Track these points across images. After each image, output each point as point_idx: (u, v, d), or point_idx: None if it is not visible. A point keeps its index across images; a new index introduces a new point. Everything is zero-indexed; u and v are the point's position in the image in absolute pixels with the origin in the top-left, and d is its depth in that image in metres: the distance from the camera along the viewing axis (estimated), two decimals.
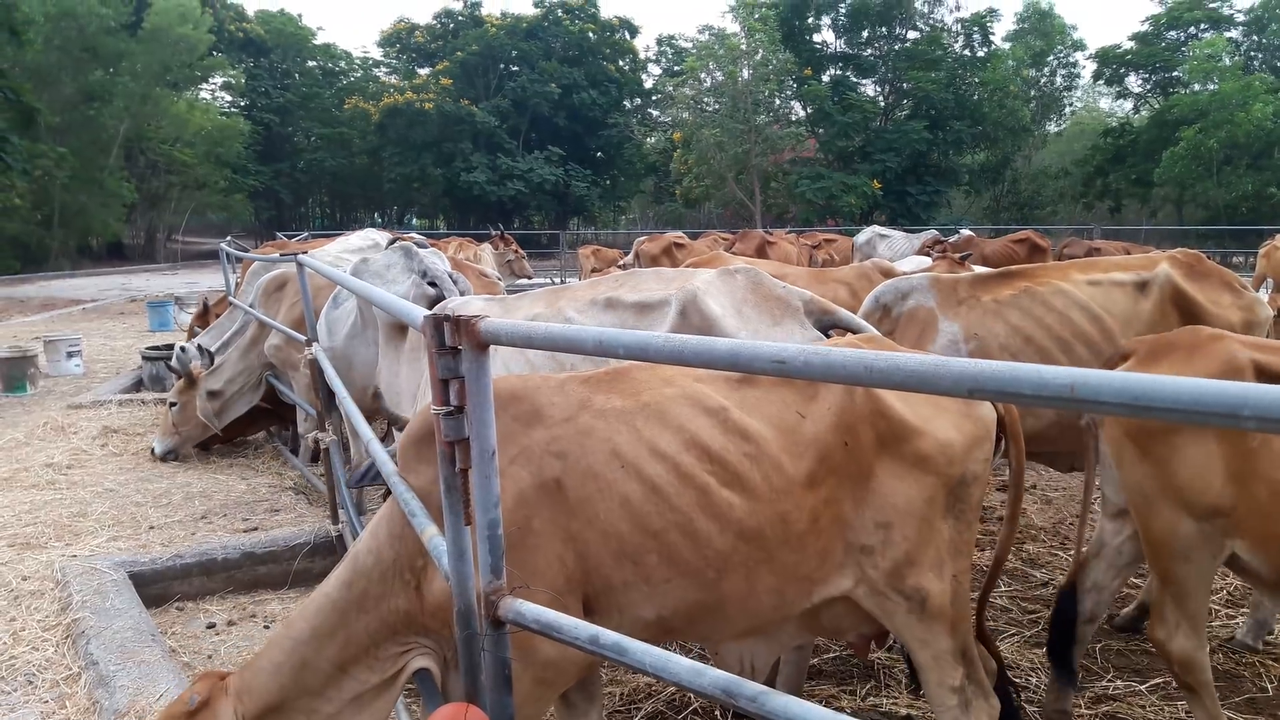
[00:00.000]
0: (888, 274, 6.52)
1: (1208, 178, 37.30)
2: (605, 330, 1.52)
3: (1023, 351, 4.28)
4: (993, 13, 44.35)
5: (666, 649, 1.67)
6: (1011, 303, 4.39)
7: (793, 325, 3.93)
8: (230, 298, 9.06)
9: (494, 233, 16.79)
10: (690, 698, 4.04)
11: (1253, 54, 43.13)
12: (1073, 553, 5.60)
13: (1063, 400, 1.08)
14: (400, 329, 5.50)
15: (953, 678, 2.79)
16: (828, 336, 3.78)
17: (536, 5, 48.75)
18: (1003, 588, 5.06)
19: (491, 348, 1.74)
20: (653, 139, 51.42)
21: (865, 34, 45.02)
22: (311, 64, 50.38)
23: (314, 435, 6.10)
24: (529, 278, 16.19)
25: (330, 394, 5.73)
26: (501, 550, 1.79)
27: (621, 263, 17.29)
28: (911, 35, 44.46)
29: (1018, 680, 4.06)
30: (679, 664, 1.51)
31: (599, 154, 50.08)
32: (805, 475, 2.56)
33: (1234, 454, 2.93)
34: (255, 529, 6.06)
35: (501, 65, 47.47)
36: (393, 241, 6.89)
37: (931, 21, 44.31)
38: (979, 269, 7.04)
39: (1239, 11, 43.53)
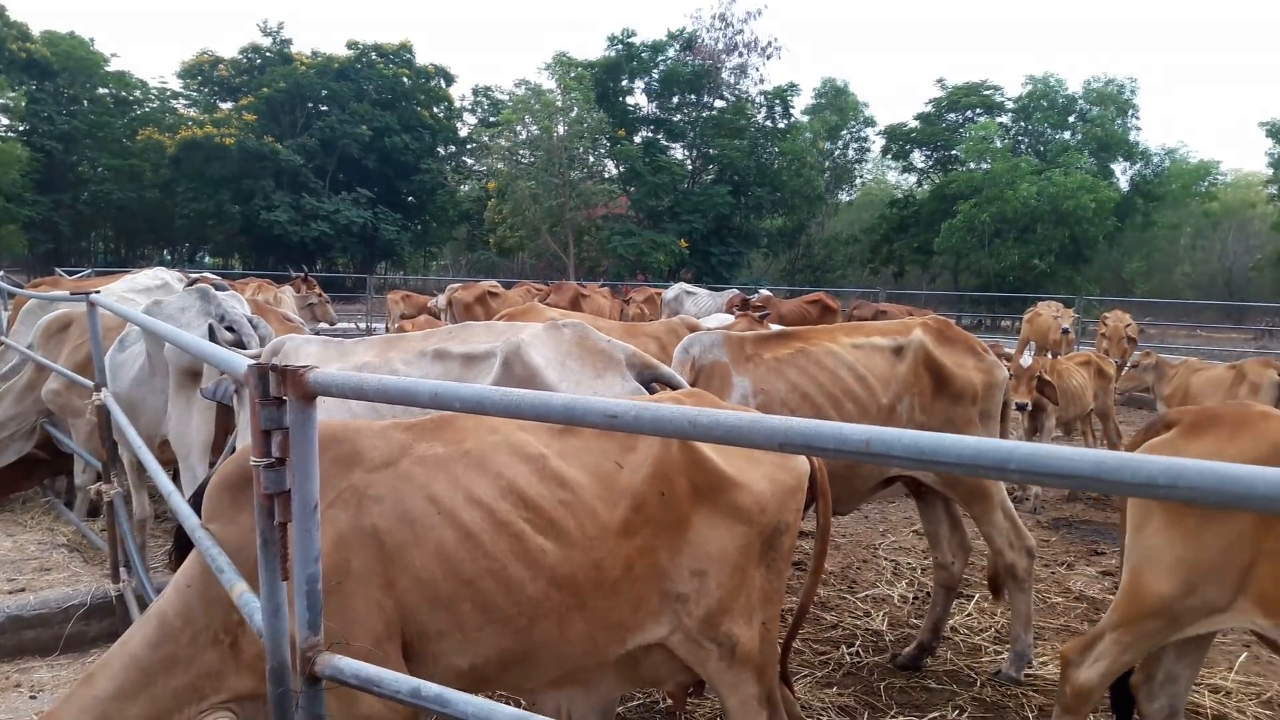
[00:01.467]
0: (694, 329, 6.81)
1: (980, 248, 40.84)
2: (441, 384, 1.55)
3: (800, 406, 4.54)
4: (793, 86, 47.08)
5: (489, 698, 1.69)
6: (789, 361, 4.67)
7: (614, 378, 4.05)
8: (2, 337, 8.33)
9: (295, 274, 16.19)
10: None
11: (1020, 138, 47.67)
12: (862, 596, 5.95)
13: (859, 454, 1.21)
14: (194, 376, 5.26)
15: None
16: (649, 389, 3.91)
17: (350, 47, 47.78)
18: None
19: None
20: (467, 187, 51.20)
21: (675, 100, 46.75)
22: (103, 91, 47.12)
23: (96, 487, 5.69)
24: (332, 322, 15.68)
25: (114, 444, 5.38)
26: (320, 605, 1.76)
27: (430, 305, 17.07)
28: (718, 104, 46.49)
29: None
30: (502, 712, 1.54)
31: (410, 199, 49.29)
32: (620, 523, 2.63)
33: (1267, 533, 2.89)
34: (23, 590, 5.54)
35: (310, 104, 46.11)
36: (192, 283, 6.57)
37: (737, 92, 46.49)
38: (775, 327, 7.45)
39: (1009, 99, 48.16)
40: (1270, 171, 43.13)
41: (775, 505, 2.85)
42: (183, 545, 2.64)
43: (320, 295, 15.24)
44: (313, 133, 44.54)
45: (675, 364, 4.80)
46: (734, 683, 2.87)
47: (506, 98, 46.55)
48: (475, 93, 53.83)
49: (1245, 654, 5.07)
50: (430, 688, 1.61)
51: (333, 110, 45.48)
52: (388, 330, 18.74)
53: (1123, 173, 48.12)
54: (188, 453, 5.32)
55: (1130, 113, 47.30)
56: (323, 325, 15.22)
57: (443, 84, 51.01)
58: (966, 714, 4.38)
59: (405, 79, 47.90)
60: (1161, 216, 47.28)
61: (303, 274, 15.86)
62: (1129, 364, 10.35)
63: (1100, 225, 40.34)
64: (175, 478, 5.77)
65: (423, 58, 50.20)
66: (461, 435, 2.64)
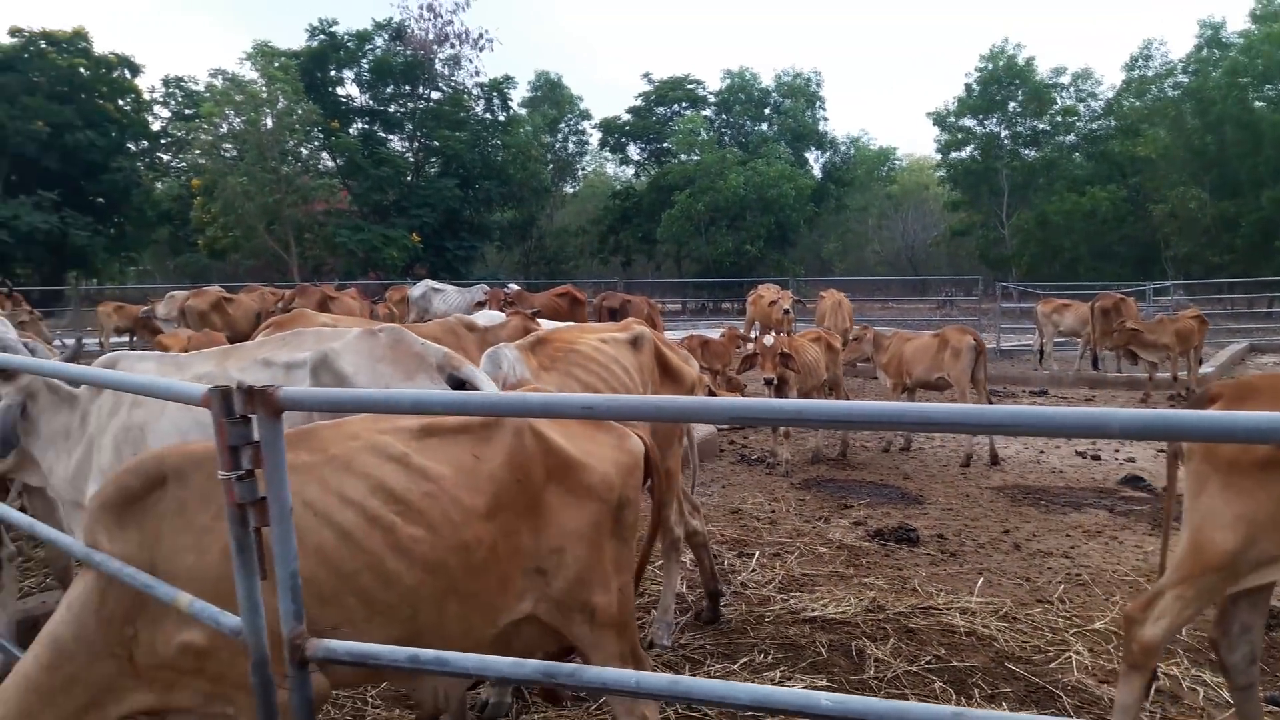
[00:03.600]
0: (470, 327, 7.04)
1: (698, 236, 43.38)
2: (423, 391, 1.80)
3: None
4: (509, 79, 47.55)
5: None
6: (566, 360, 5.11)
7: (425, 380, 4.27)
8: None
9: None
10: None
11: (723, 130, 50.86)
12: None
13: (655, 416, 1.62)
14: None
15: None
16: (460, 389, 4.17)
17: (13, 34, 42.67)
18: None
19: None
20: (164, 184, 47.40)
21: (390, 90, 45.80)
22: None
23: None
24: (48, 340, 14.29)
25: None
26: (301, 597, 1.95)
27: (142, 313, 15.86)
28: (435, 96, 46.01)
29: None
30: (500, 662, 1.82)
31: (101, 200, 44.86)
32: (483, 508, 2.91)
33: None
34: None
35: None
36: None
37: (453, 84, 46.24)
38: (547, 323, 7.74)
39: (710, 93, 51.19)
40: (939, 156, 48.74)
41: (619, 483, 3.23)
42: None
43: (31, 311, 13.84)
44: None
45: (484, 371, 5.05)
46: (597, 643, 3.22)
47: (203, 89, 43.51)
48: (166, 84, 49.68)
49: (981, 579, 6.05)
50: (427, 653, 1.86)
51: (0, 105, 40.58)
52: (101, 345, 17.28)
53: (815, 161, 52.71)
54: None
55: (818, 104, 51.79)
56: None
57: (127, 74, 46.70)
58: (770, 656, 4.99)
59: (83, 69, 43.43)
60: (851, 200, 52.29)
61: (6, 289, 14.31)
62: (851, 338, 11.66)
63: (800, 210, 44.06)
64: None
65: (101, 46, 45.73)
66: (325, 443, 2.80)
